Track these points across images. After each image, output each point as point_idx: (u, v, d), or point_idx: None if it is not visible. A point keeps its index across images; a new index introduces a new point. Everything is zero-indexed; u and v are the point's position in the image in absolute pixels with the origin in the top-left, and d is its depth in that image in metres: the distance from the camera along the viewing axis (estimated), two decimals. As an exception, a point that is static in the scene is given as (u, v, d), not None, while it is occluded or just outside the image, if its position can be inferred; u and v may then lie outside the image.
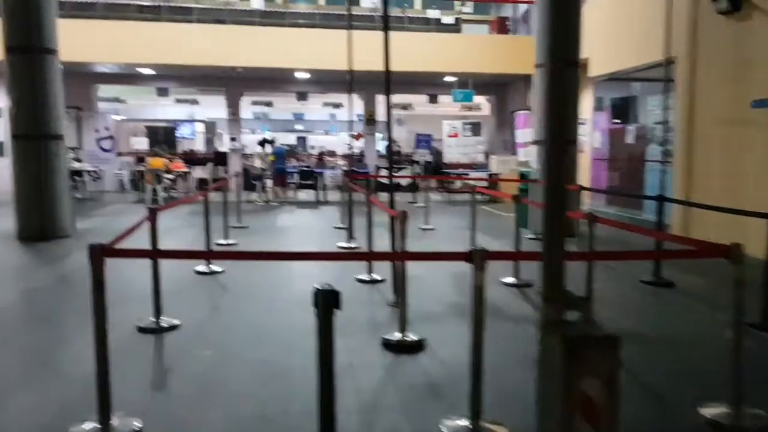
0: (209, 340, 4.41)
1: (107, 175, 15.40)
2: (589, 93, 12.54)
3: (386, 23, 5.17)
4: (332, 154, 20.60)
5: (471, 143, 16.28)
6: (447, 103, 19.48)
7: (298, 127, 28.68)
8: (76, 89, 13.85)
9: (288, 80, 15.99)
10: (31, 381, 3.63)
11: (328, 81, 16.22)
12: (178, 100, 23.32)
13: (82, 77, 14.69)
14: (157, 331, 4.56)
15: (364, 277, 6.27)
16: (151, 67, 14.53)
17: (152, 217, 4.51)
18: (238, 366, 3.91)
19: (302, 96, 16.80)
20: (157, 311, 4.69)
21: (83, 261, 7.05)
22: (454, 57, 13.79)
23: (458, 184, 15.16)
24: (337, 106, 21.39)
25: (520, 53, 14.27)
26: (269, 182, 13.90)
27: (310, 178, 13.77)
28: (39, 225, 8.30)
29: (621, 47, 11.12)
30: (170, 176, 13.62)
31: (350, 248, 8.11)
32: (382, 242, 7.31)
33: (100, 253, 2.90)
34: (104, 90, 17.08)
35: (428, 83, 15.86)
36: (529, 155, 14.01)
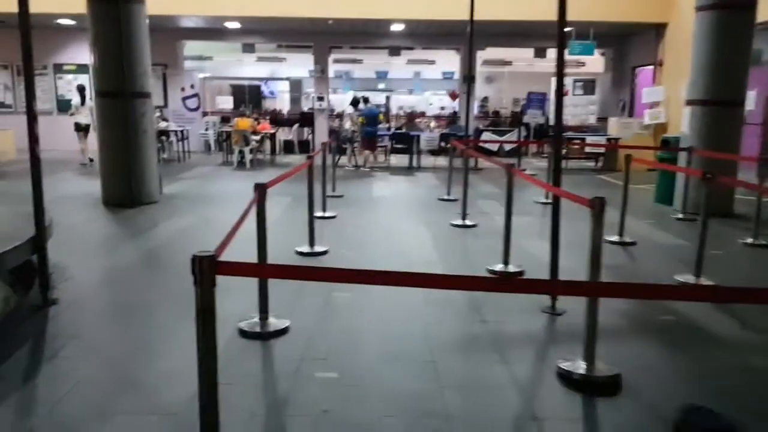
0: (327, 352, 3.45)
1: (192, 135, 14.87)
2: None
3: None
4: (422, 114, 19.32)
5: (582, 103, 14.61)
6: (544, 58, 17.75)
7: (381, 86, 27.49)
8: (162, 46, 13.21)
9: (381, 34, 14.79)
10: (115, 409, 2.78)
11: (423, 33, 14.92)
12: (261, 59, 22.60)
13: (168, 33, 14.05)
14: (264, 336, 3.65)
15: (499, 267, 5.16)
16: (237, 21, 13.70)
17: (261, 195, 3.54)
18: (374, 399, 2.92)
19: (394, 51, 15.54)
20: (264, 311, 3.78)
21: (172, 233, 6.27)
22: (570, 4, 12.14)
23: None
24: (431, 62, 19.97)
25: (652, -1, 12.49)
26: (357, 146, 12.91)
27: (404, 141, 12.64)
28: (125, 190, 7.65)
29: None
30: (257, 138, 12.86)
31: (464, 226, 7.01)
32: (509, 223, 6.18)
33: (209, 269, 1.92)
34: (188, 48, 16.48)
35: (535, 35, 14.25)
36: (658, 117, 12.32)
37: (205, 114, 15.79)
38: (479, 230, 6.87)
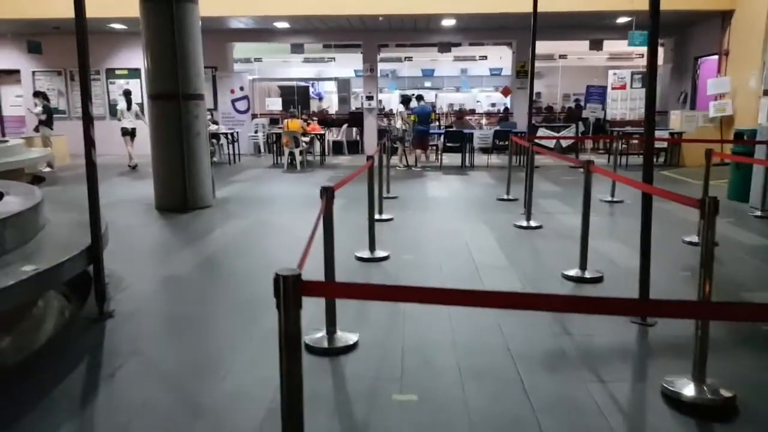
0: (402, 370, 3.15)
1: (242, 137, 14.86)
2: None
3: None
4: (472, 111, 18.84)
5: (641, 96, 13.90)
6: (593, 52, 17.11)
7: (427, 84, 27.10)
8: (211, 48, 13.23)
9: (430, 30, 14.44)
10: (177, 438, 2.54)
11: (474, 29, 14.50)
12: (307, 60, 22.55)
13: (217, 35, 14.06)
14: (332, 353, 3.37)
15: (574, 272, 4.76)
16: (287, 20, 13.58)
17: (329, 200, 3.26)
18: (462, 426, 2.60)
19: (444, 47, 15.15)
20: (331, 324, 3.50)
21: (228, 239, 6.08)
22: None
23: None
24: (482, 58, 19.50)
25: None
26: (408, 145, 12.60)
27: (457, 140, 12.25)
28: (179, 194, 7.54)
29: None
30: (306, 139, 12.70)
31: (529, 227, 6.60)
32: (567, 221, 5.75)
33: (295, 289, 1.64)
34: (235, 50, 16.52)
35: (591, 27, 13.66)
36: (724, 109, 11.60)
37: (254, 116, 15.76)
38: (545, 231, 6.47)
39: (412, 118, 11.97)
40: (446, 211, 7.81)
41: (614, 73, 14.15)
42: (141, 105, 12.21)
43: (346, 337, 3.49)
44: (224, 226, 6.80)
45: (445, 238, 6.21)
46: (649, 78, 3.69)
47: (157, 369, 3.22)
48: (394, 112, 13.50)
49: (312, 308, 3.58)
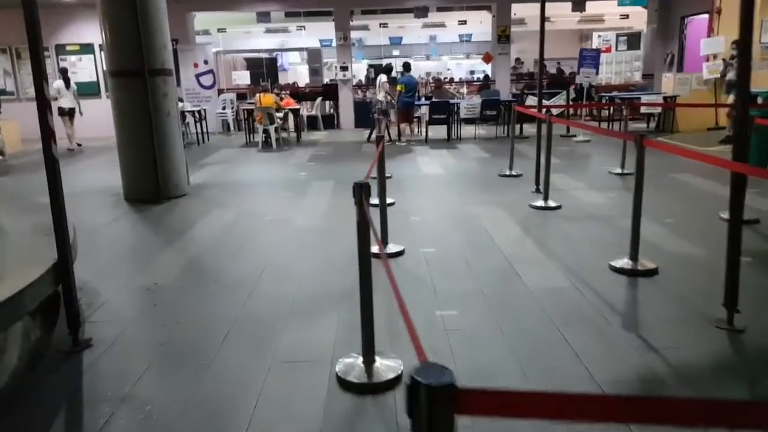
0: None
1: (209, 115, 13.85)
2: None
3: None
4: (451, 80, 18.09)
5: (626, 59, 13.41)
6: (563, 15, 16.57)
7: (395, 52, 26.23)
8: (172, 19, 12.11)
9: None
10: None
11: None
12: (269, 30, 21.34)
13: (177, 4, 12.89)
14: (373, 389, 2.71)
15: (622, 263, 4.18)
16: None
17: (364, 205, 2.57)
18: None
19: (421, 12, 14.31)
20: (370, 350, 2.84)
21: (214, 234, 5.27)
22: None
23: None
24: (462, 23, 18.71)
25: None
26: (393, 118, 11.85)
27: (442, 111, 11.53)
28: (151, 183, 6.69)
29: None
30: (280, 115, 11.81)
31: (548, 208, 6.01)
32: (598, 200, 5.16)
33: (445, 410, 0.96)
34: (196, 21, 15.34)
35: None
36: (718, 70, 11.15)
37: (220, 91, 14.72)
38: (567, 212, 5.88)
39: (399, 87, 11.19)
40: (449, 191, 7.15)
41: (599, 36, 13.57)
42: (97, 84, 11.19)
43: (387, 366, 2.83)
44: (206, 218, 6.01)
45: (460, 224, 5.56)
46: (742, 28, 3.01)
47: (157, 423, 2.51)
48: (376, 82, 12.65)
49: (331, 323, 2.91)
